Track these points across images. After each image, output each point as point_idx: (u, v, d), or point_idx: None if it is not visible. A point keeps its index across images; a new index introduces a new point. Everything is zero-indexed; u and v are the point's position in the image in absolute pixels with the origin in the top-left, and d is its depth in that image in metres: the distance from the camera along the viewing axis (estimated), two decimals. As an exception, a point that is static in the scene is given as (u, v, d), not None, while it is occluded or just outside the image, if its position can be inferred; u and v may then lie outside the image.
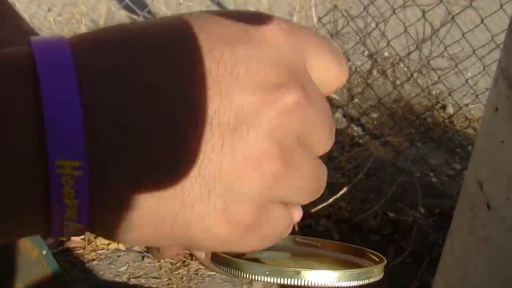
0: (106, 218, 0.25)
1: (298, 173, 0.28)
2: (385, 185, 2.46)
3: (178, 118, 0.25)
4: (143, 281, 1.98)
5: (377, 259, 0.39)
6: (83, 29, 2.78)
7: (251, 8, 2.64)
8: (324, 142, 0.29)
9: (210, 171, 0.25)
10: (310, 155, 0.29)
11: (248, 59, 0.26)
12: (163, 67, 0.25)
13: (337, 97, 2.98)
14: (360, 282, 0.35)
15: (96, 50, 0.25)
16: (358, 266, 0.39)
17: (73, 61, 0.24)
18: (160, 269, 2.01)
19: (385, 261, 0.37)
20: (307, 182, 0.29)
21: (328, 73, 0.30)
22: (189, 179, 0.25)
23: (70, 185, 0.23)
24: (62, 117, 0.23)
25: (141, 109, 0.24)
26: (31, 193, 0.24)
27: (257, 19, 0.28)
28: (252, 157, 0.26)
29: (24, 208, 0.24)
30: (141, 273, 2.00)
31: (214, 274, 2.04)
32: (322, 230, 2.26)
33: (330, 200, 2.14)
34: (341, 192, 2.15)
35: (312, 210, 2.19)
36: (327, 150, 0.30)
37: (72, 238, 2.08)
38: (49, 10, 3.55)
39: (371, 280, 0.35)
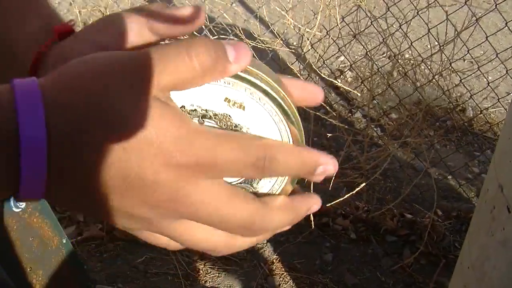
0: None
1: None
2: (403, 186, 2.46)
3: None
4: (160, 273, 2.00)
5: None
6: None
7: (276, 6, 2.64)
8: None
9: None
10: None
11: None
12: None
13: (358, 97, 2.98)
14: None
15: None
16: None
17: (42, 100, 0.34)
18: (177, 262, 2.03)
19: None
20: None
21: None
22: None
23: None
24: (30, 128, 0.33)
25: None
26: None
27: None
28: None
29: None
30: (158, 264, 2.02)
31: (230, 269, 2.06)
32: (339, 229, 2.27)
33: (346, 196, 2.14)
34: (357, 189, 2.15)
35: (328, 205, 2.19)
36: None
37: (91, 228, 2.11)
38: (72, 1, 3.58)
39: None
